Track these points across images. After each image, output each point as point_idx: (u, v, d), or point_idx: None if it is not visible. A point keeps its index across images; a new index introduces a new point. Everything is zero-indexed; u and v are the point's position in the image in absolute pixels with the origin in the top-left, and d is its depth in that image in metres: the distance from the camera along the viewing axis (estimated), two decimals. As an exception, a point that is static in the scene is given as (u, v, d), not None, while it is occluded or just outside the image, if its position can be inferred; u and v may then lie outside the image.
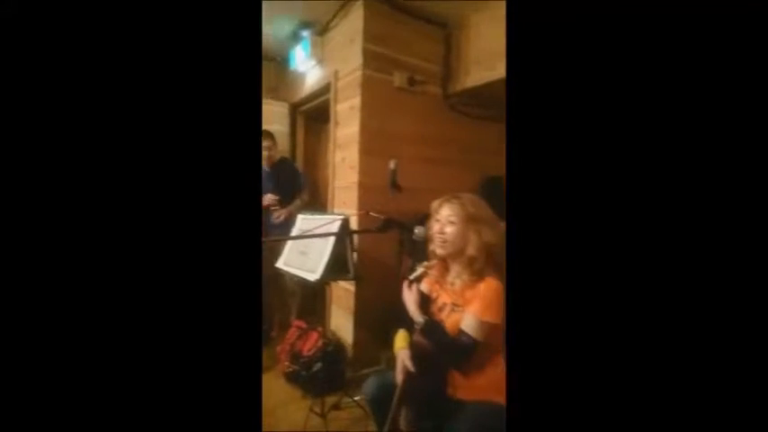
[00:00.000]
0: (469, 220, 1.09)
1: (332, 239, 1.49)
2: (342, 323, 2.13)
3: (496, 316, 1.02)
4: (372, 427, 1.28)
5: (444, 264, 1.18)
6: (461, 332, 1.03)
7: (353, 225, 1.82)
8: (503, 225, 1.23)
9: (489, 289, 1.04)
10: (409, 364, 1.06)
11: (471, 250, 1.08)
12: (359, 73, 1.96)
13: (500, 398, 1.06)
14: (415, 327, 1.11)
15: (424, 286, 1.26)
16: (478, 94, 2.19)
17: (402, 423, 1.21)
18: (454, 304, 1.12)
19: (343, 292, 2.13)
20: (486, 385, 1.08)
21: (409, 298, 1.14)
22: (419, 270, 1.18)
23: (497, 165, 2.53)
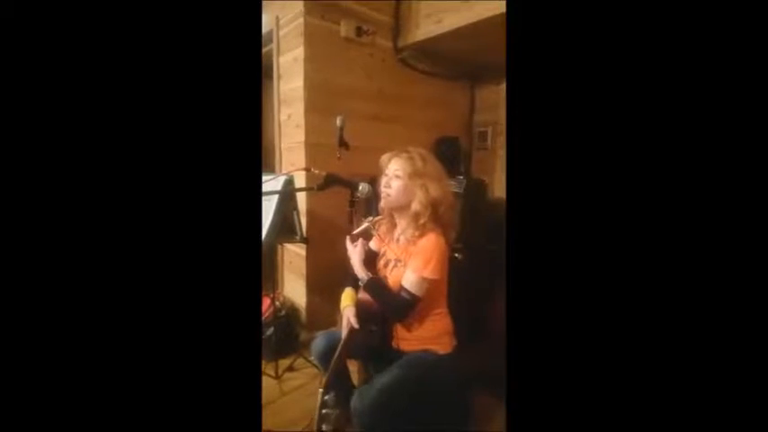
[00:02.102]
0: (415, 175, 1.07)
1: (275, 201, 1.42)
2: (295, 288, 2.10)
3: (435, 271, 1.03)
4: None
5: (392, 219, 1.17)
6: (402, 288, 1.04)
7: (300, 185, 1.74)
8: (450, 183, 1.24)
9: (429, 244, 1.04)
10: (354, 320, 1.06)
11: (416, 205, 1.06)
12: (301, 20, 1.79)
13: (437, 347, 1.11)
14: (360, 284, 1.10)
15: (374, 243, 1.25)
16: (430, 49, 2.11)
17: (350, 377, 1.23)
18: (397, 259, 1.12)
19: (294, 257, 2.08)
20: (427, 337, 1.12)
21: (354, 255, 1.12)
22: (364, 225, 1.17)
23: (450, 124, 2.52)
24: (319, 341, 1.19)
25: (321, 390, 1.01)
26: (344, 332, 1.08)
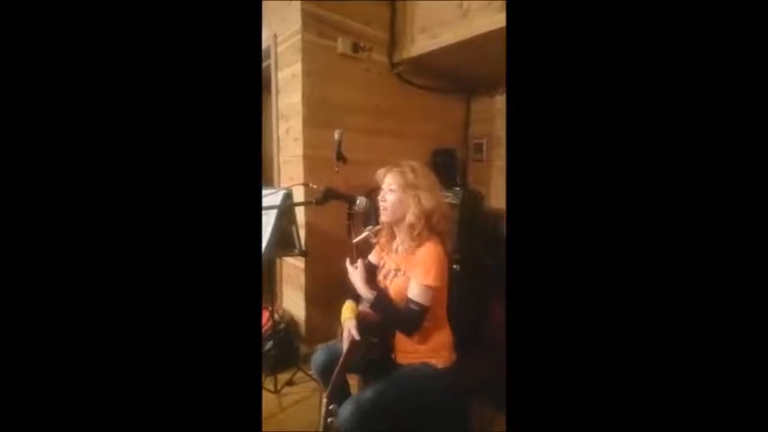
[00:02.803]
0: (408, 187, 1.11)
1: (273, 214, 1.43)
2: (294, 301, 2.09)
3: (437, 279, 1.04)
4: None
5: (391, 231, 1.20)
6: (409, 300, 1.04)
7: (298, 199, 1.76)
8: (444, 193, 1.26)
9: (427, 254, 1.07)
10: (355, 332, 1.07)
11: (410, 217, 1.10)
12: (299, 37, 1.83)
13: (436, 360, 1.12)
14: (365, 303, 1.11)
15: (373, 256, 1.27)
16: (425, 64, 2.15)
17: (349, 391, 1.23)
18: (396, 269, 1.14)
19: (293, 270, 2.08)
20: (426, 349, 1.13)
21: (355, 276, 1.13)
22: (364, 233, 1.20)
23: (446, 136, 2.55)
24: (319, 355, 1.19)
25: (326, 400, 1.02)
26: (345, 344, 1.08)
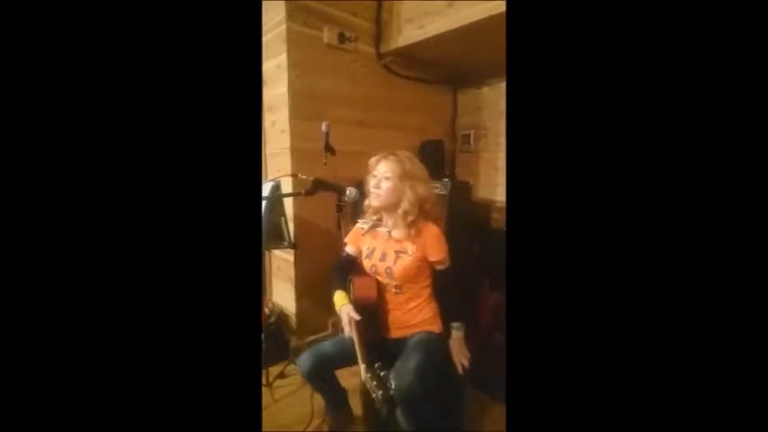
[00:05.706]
0: (405, 176, 1.16)
1: (262, 206, 1.41)
2: (284, 294, 2.09)
3: (444, 251, 1.19)
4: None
5: (379, 217, 1.26)
6: (440, 271, 1.21)
7: (286, 191, 1.74)
8: (434, 183, 1.31)
9: (433, 234, 1.17)
10: (354, 314, 1.12)
11: (405, 204, 1.15)
12: (283, 27, 1.80)
13: (434, 327, 1.21)
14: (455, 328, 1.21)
15: (350, 248, 1.32)
16: (412, 55, 2.15)
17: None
18: (399, 251, 1.19)
19: (282, 263, 2.07)
20: (424, 320, 1.21)
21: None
22: (365, 228, 1.26)
23: (434, 128, 2.55)
24: (305, 358, 1.16)
25: (363, 367, 1.03)
26: (347, 329, 1.12)
